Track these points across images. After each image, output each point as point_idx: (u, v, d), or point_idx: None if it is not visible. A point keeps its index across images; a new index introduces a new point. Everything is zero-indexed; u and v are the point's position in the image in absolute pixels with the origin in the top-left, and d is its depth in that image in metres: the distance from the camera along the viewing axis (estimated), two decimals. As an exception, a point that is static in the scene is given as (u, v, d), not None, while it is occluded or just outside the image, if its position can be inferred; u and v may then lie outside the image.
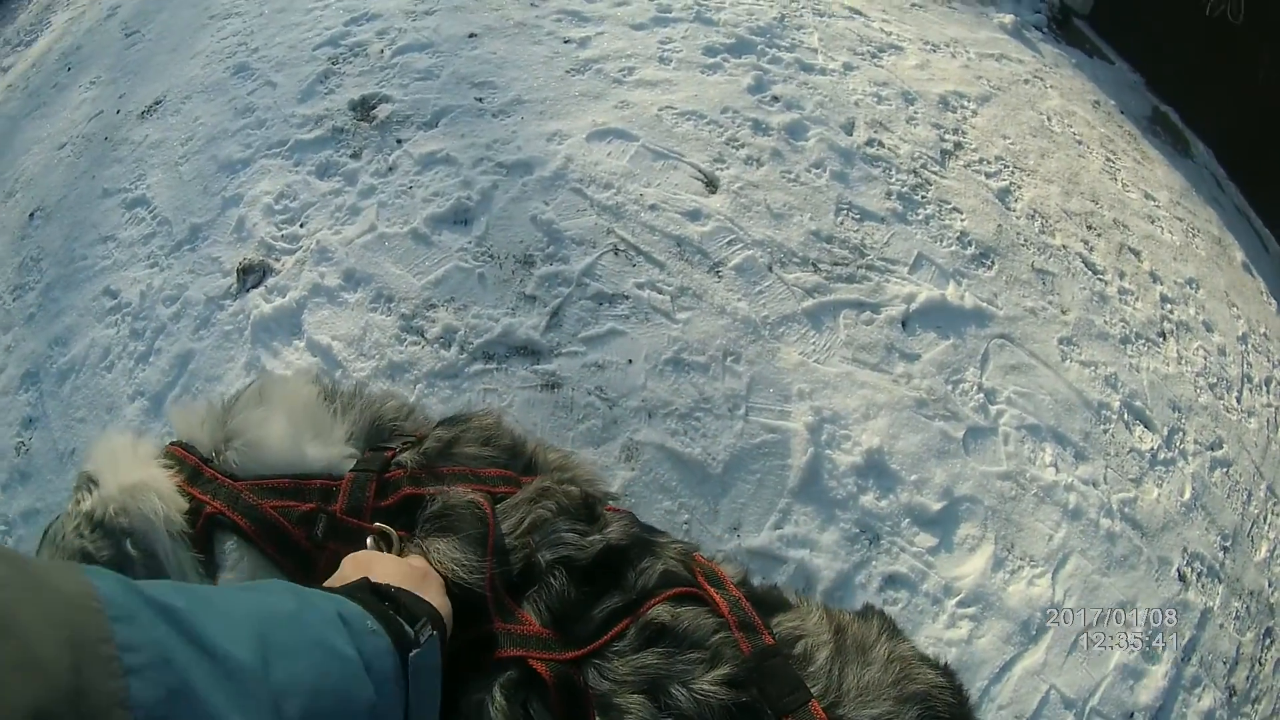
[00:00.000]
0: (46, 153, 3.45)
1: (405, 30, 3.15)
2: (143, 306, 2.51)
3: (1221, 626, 2.27)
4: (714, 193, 2.47)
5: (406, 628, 0.73)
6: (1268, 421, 2.94)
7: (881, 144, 2.87)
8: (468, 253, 2.31)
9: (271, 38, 3.38)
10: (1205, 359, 2.95)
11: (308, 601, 0.67)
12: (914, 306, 2.42)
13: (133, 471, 1.02)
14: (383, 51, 3.04)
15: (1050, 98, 3.81)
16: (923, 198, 2.76)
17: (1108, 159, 3.62)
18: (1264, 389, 3.07)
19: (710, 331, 2.14)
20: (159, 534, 0.97)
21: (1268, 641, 2.37)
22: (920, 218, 2.70)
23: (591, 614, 0.95)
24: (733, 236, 2.37)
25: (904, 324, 2.38)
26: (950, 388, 2.30)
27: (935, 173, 2.90)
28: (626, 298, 2.18)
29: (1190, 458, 2.57)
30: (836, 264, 2.40)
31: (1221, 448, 2.67)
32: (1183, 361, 2.87)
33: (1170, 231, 3.46)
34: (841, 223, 2.54)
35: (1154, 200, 3.59)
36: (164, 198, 2.81)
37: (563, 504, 1.03)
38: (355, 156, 2.63)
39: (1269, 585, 2.48)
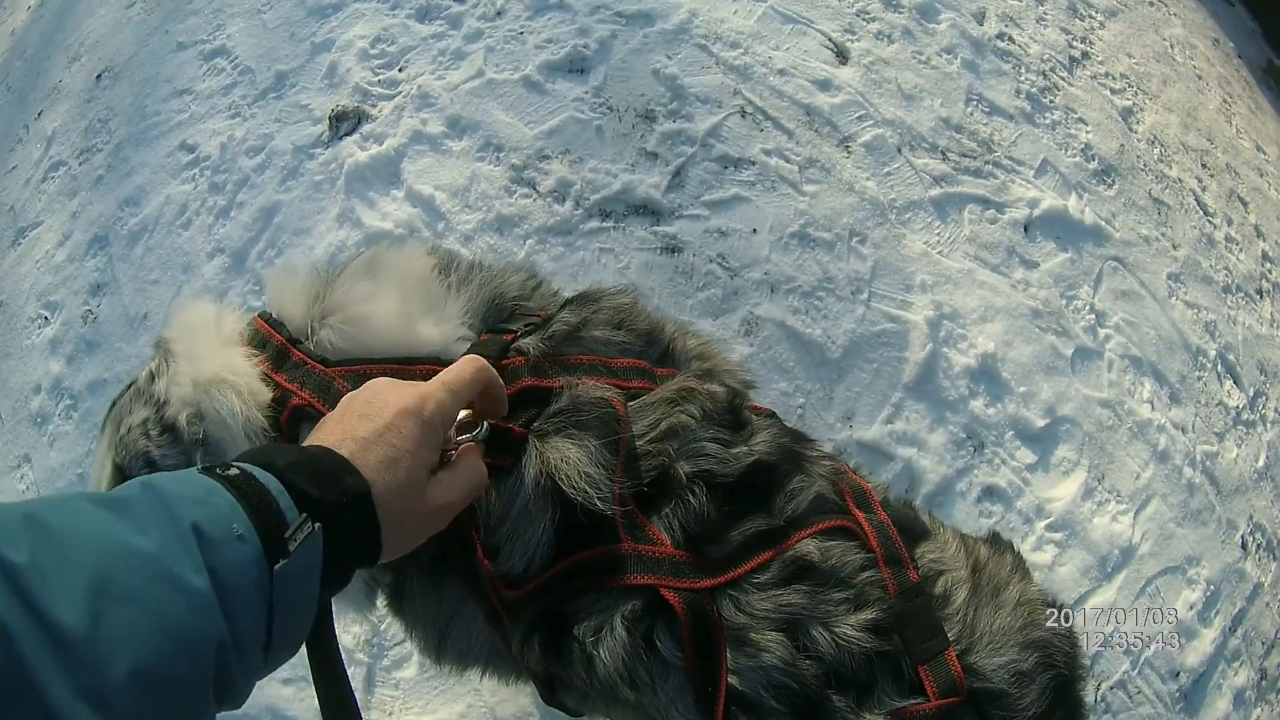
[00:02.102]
0: (114, 13, 3.16)
1: None
2: (223, 159, 2.35)
3: (1268, 605, 2.23)
4: (844, 64, 2.28)
5: (286, 532, 0.64)
6: None
7: (1012, 39, 2.66)
8: (584, 103, 2.13)
9: None
10: None
11: (163, 517, 0.57)
12: (1037, 212, 2.28)
13: (212, 358, 0.90)
14: None
15: (1174, 25, 3.57)
16: (1050, 102, 2.58)
17: (1224, 100, 3.43)
18: None
19: (837, 208, 2.00)
20: (237, 439, 0.88)
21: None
22: (1047, 122, 2.53)
23: (729, 535, 0.85)
24: (863, 112, 2.20)
25: (1026, 229, 2.26)
26: (1065, 302, 2.20)
27: (1063, 78, 2.70)
28: (753, 163, 2.02)
29: (1269, 425, 2.49)
30: (965, 155, 2.24)
31: None
32: (1275, 324, 2.76)
33: (1276, 189, 3.31)
34: (971, 114, 2.36)
35: (1264, 154, 3.42)
36: (246, 46, 2.60)
37: (707, 409, 0.91)
38: None
39: None
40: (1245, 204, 3.02)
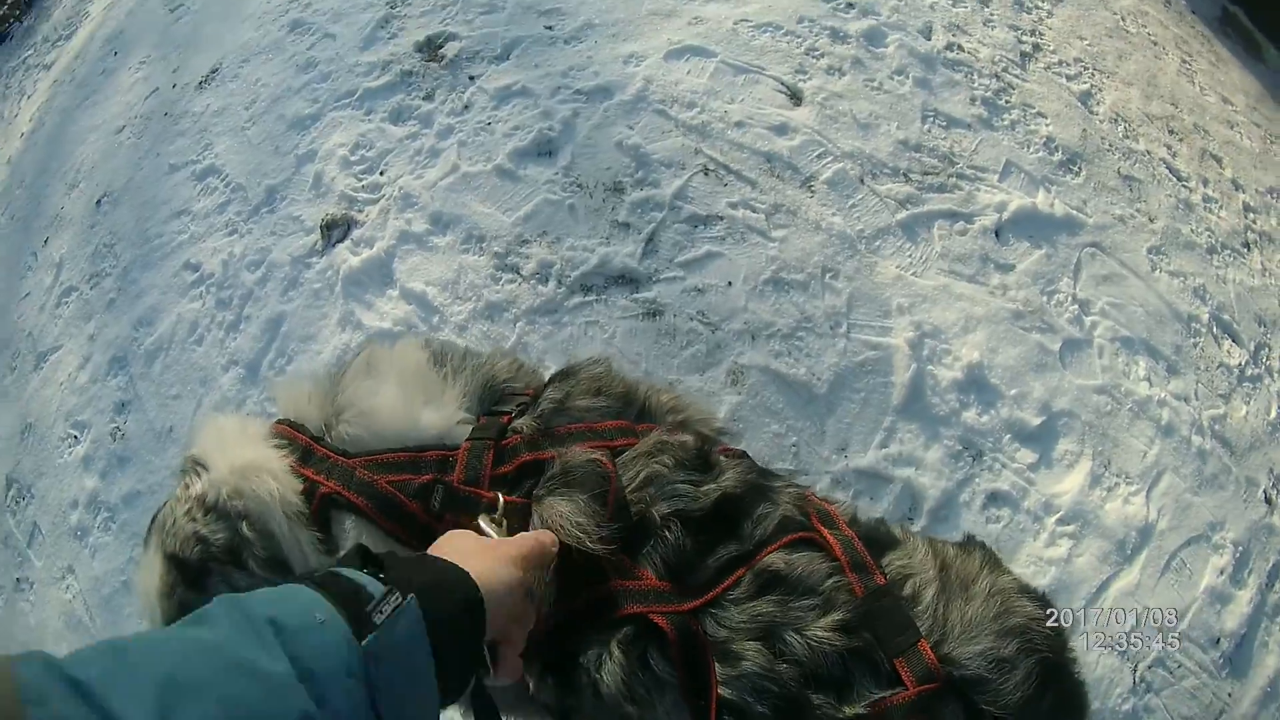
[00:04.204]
0: (105, 139, 3.40)
1: None
2: (226, 276, 2.51)
3: None
4: (799, 105, 2.39)
5: (368, 607, 0.67)
6: None
7: (961, 47, 2.75)
8: (555, 184, 2.28)
9: None
10: None
11: (238, 617, 0.62)
12: (1006, 215, 2.37)
13: (243, 452, 1.01)
14: None
15: (1123, -4, 3.63)
16: (1006, 102, 2.67)
17: (1183, 60, 3.48)
18: None
19: (807, 249, 2.10)
20: (275, 514, 0.97)
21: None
22: (1006, 123, 2.62)
23: (707, 563, 0.96)
24: (822, 149, 2.30)
25: (997, 233, 2.34)
26: (1045, 299, 2.27)
27: (1017, 76, 2.79)
28: (721, 218, 2.14)
29: (1277, 375, 2.52)
30: (927, 173, 2.33)
31: None
32: (1266, 273, 2.79)
33: (1249, 138, 3.34)
34: (929, 130, 2.46)
35: (1231, 105, 3.46)
36: (235, 164, 2.79)
37: (678, 457, 1.02)
38: (428, 98, 2.59)
39: None
40: (1219, 160, 3.06)
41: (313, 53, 3.00)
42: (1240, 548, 2.09)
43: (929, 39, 2.73)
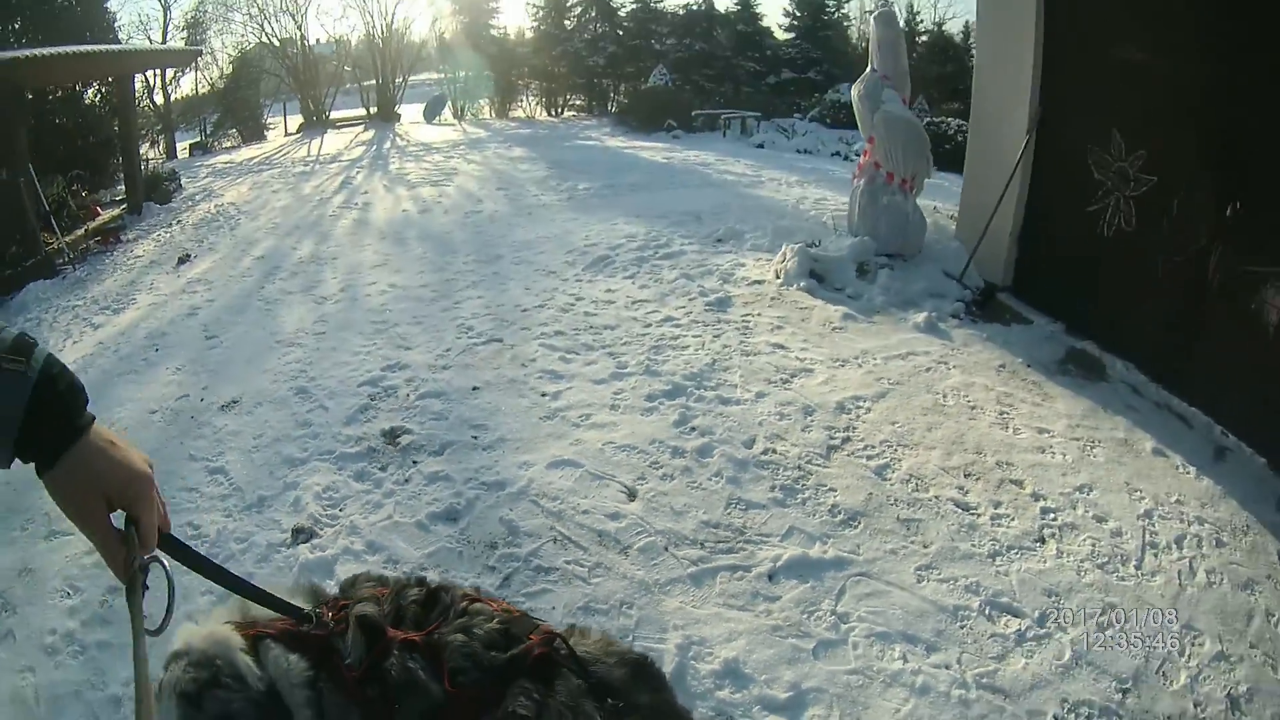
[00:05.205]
0: (140, 412, 4.73)
1: (426, 380, 4.71)
2: (218, 539, 3.43)
3: None
4: (633, 500, 3.65)
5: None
6: (1179, 573, 3.29)
7: (774, 450, 3.99)
8: (453, 538, 3.38)
9: (325, 370, 4.93)
10: (1094, 545, 3.41)
11: None
12: (780, 564, 3.19)
13: (205, 629, 1.51)
14: (408, 395, 4.57)
15: (951, 377, 4.83)
16: (802, 485, 3.73)
17: (1000, 413, 4.45)
18: (1174, 547, 3.46)
19: (613, 590, 3.10)
20: (234, 653, 1.44)
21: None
22: (798, 500, 3.60)
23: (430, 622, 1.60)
24: (641, 529, 3.40)
25: (770, 577, 3.14)
26: (805, 616, 2.93)
27: (819, 465, 3.90)
28: (558, 569, 3.20)
29: (1070, 628, 2.94)
30: (720, 542, 3.39)
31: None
32: (1063, 555, 3.33)
33: (1063, 453, 4.10)
34: (729, 513, 3.56)
35: (1048, 432, 4.29)
36: (239, 472, 3.94)
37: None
38: (382, 470, 3.88)
39: (1195, 707, 2.70)
40: (1020, 483, 3.84)
41: (310, 415, 4.34)
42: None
43: (750, 448, 3.99)
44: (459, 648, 1.51)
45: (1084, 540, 3.46)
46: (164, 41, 23.05)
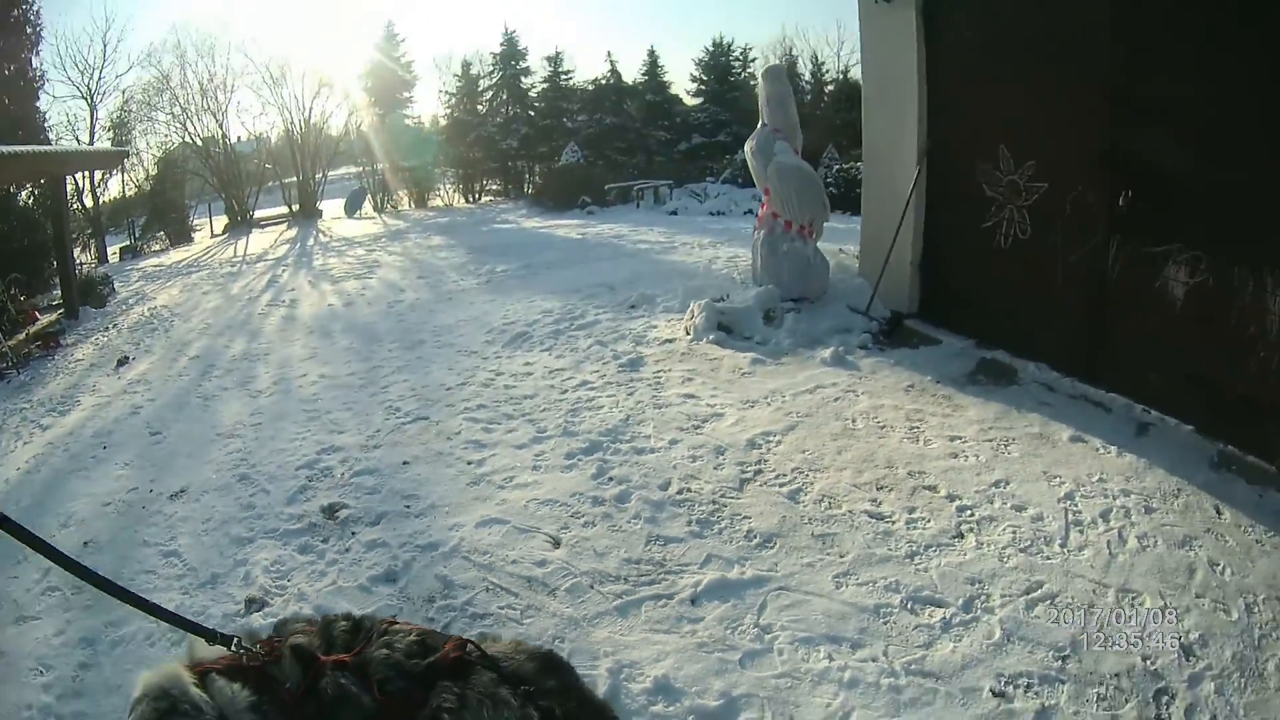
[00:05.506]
0: (94, 505, 4.83)
1: (359, 459, 4.91)
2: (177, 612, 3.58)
3: (1076, 714, 2.58)
4: (558, 548, 3.74)
5: None
6: (1108, 543, 3.40)
7: (689, 489, 4.11)
8: (394, 596, 3.51)
9: (265, 458, 5.13)
10: (1015, 533, 3.52)
11: None
12: (700, 588, 3.30)
13: (161, 671, 1.69)
14: (343, 474, 4.75)
15: (859, 402, 5.04)
16: (718, 517, 3.85)
17: (911, 428, 4.65)
18: (1100, 521, 3.57)
19: (544, 626, 3.18)
20: (186, 685, 1.63)
21: (1165, 700, 2.63)
22: (714, 531, 3.72)
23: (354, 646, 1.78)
24: (567, 572, 3.52)
25: (693, 600, 3.24)
26: (730, 631, 3.03)
27: (732, 497, 4.03)
28: (492, 614, 3.29)
29: (998, 610, 3.04)
30: (642, 575, 3.47)
31: (1040, 589, 3.13)
32: (983, 545, 3.44)
33: (976, 455, 4.27)
34: (649, 549, 3.66)
35: (960, 438, 4.47)
36: (191, 554, 4.08)
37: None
38: (324, 541, 4.04)
39: (1144, 660, 2.76)
40: (934, 488, 3.96)
41: (253, 499, 4.53)
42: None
43: (665, 490, 4.12)
44: (383, 660, 1.71)
45: (1004, 530, 3.58)
46: (91, 142, 22.47)
